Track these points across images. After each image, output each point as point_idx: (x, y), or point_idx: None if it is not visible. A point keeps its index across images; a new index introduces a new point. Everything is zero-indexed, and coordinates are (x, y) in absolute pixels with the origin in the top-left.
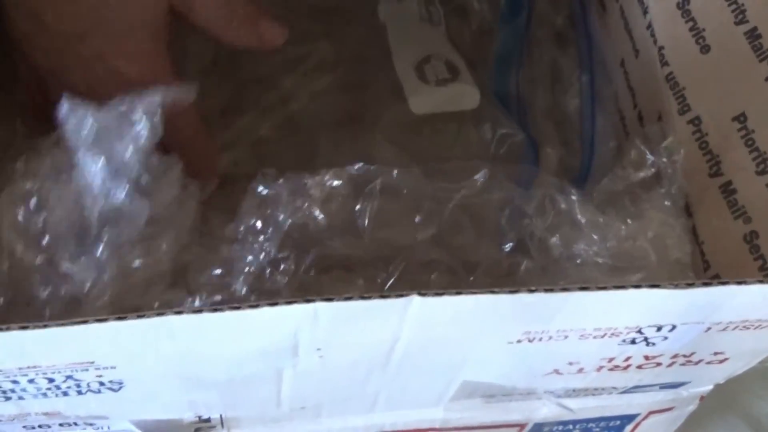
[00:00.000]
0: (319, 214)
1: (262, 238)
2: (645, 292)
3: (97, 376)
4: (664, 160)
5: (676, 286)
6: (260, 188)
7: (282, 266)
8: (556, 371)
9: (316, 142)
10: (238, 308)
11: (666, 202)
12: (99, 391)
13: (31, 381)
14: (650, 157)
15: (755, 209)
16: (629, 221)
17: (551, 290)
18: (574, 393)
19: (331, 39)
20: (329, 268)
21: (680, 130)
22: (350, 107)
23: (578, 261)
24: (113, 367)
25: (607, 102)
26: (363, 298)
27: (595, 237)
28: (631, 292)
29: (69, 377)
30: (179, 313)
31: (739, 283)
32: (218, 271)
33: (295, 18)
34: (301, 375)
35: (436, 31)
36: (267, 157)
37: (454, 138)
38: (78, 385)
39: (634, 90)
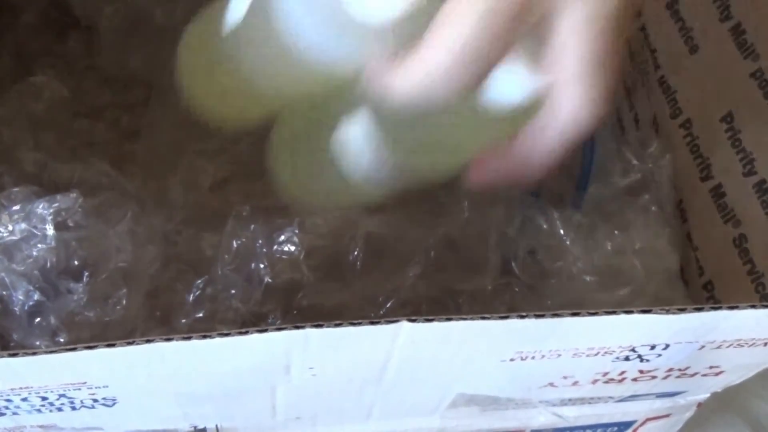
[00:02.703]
0: (301, 265)
1: (242, 293)
2: (636, 317)
3: (90, 394)
4: (650, 166)
5: (668, 311)
6: (234, 242)
7: (269, 319)
8: (551, 384)
9: None
10: (227, 335)
11: (653, 208)
12: (93, 407)
13: (24, 399)
14: (636, 164)
15: (743, 212)
16: (616, 233)
17: (542, 315)
18: (570, 402)
19: None
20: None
21: (673, 134)
22: None
23: (565, 279)
24: (106, 386)
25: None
26: (353, 324)
27: (580, 255)
28: (623, 317)
29: (62, 395)
30: (169, 339)
31: (731, 308)
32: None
33: None
34: (295, 389)
35: None
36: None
37: None
38: (72, 402)
39: (629, 92)
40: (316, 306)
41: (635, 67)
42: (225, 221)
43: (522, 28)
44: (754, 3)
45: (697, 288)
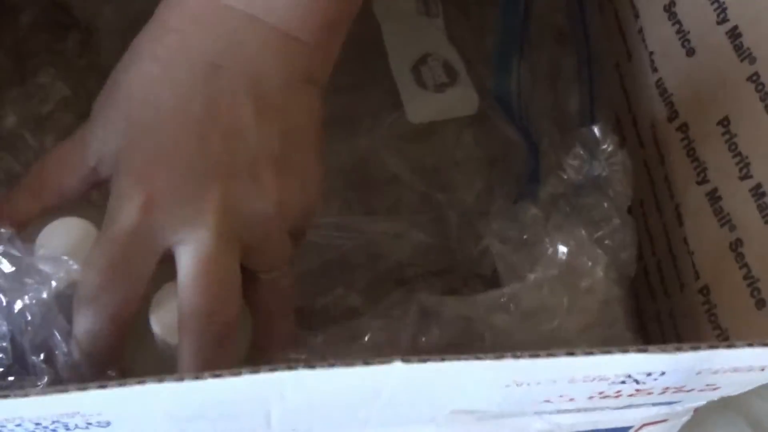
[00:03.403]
0: None
1: None
2: (632, 357)
3: (84, 419)
4: (604, 164)
5: (664, 350)
6: None
7: None
8: (547, 401)
9: None
10: (219, 376)
11: (605, 204)
12: (87, 428)
13: (18, 425)
14: (585, 160)
15: (739, 216)
16: (570, 230)
17: (537, 355)
18: (566, 411)
19: None
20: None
21: (669, 137)
22: (344, 110)
23: (532, 278)
24: (99, 414)
25: (604, 103)
26: (346, 365)
27: (541, 253)
28: (618, 357)
29: (56, 422)
30: (161, 380)
31: (729, 346)
32: None
33: None
34: (290, 411)
35: (434, 24)
36: None
37: (453, 142)
38: (66, 426)
39: (628, 93)
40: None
41: (634, 69)
42: None
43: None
44: (751, 6)
45: (693, 292)
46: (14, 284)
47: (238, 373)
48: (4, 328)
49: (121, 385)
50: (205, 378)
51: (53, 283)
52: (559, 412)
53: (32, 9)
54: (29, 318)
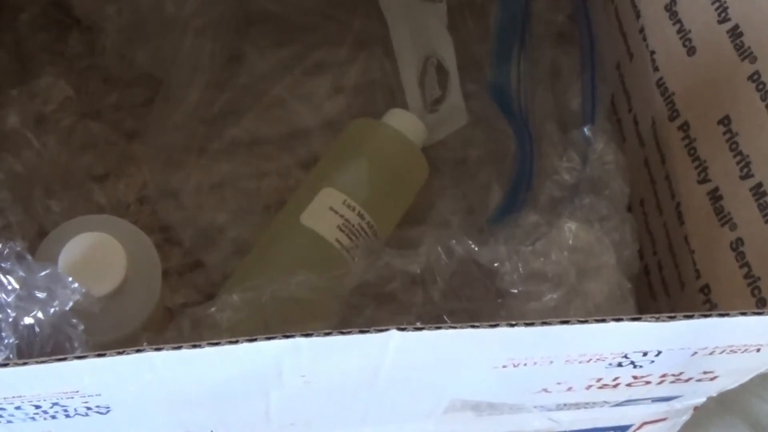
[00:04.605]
0: None
1: None
2: (626, 325)
3: (83, 402)
4: (596, 164)
5: (658, 319)
6: None
7: None
8: (545, 390)
9: (314, 144)
10: (217, 344)
11: (603, 203)
12: (87, 415)
13: (18, 408)
14: (578, 163)
15: (740, 215)
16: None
17: (531, 324)
18: (566, 407)
19: (329, 39)
20: None
21: (670, 136)
22: (347, 108)
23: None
24: (98, 395)
25: (605, 103)
26: (342, 333)
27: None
28: (612, 325)
29: (55, 404)
30: (159, 349)
31: (721, 315)
32: None
33: (291, 18)
34: (288, 396)
35: (436, 10)
36: (265, 159)
37: (456, 139)
38: (65, 410)
39: (629, 93)
40: None
41: (635, 68)
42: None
43: None
44: (752, 5)
45: (693, 291)
46: (21, 300)
47: (236, 342)
48: (11, 341)
49: (119, 353)
50: (203, 347)
51: (58, 300)
52: (558, 407)
53: (32, 8)
54: (37, 330)
